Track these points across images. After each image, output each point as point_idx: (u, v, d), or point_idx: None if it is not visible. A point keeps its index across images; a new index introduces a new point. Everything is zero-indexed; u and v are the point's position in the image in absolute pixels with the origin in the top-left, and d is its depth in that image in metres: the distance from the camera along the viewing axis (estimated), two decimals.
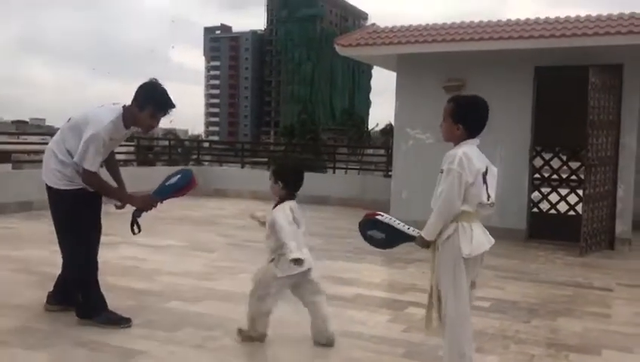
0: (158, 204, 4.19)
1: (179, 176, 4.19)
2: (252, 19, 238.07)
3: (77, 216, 4.06)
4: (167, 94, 4.08)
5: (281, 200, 3.87)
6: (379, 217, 3.38)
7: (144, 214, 4.20)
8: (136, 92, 4.07)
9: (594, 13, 8.52)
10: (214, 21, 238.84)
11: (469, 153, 3.05)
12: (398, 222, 3.37)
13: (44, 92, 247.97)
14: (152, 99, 4.03)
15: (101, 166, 4.16)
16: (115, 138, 4.09)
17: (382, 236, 3.39)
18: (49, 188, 4.10)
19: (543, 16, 8.80)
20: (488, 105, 3.21)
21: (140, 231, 4.20)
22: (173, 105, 4.10)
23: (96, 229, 4.20)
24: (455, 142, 3.16)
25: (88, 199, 4.05)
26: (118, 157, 12.50)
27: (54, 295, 4.42)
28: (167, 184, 4.17)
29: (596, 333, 4.39)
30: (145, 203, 4.12)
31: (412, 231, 3.30)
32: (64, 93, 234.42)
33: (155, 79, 4.11)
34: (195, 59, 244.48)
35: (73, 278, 4.18)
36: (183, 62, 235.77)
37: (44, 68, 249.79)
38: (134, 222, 4.17)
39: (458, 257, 3.06)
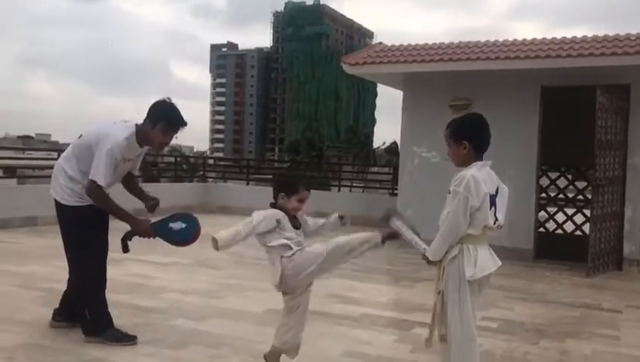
0: (154, 236, 4.08)
1: (183, 226, 4.04)
2: (254, 36, 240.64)
3: (86, 233, 4.06)
4: (179, 112, 4.10)
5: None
6: (391, 222, 3.39)
7: (136, 238, 4.11)
8: (149, 110, 4.08)
9: (599, 34, 8.56)
10: (216, 37, 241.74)
11: (478, 176, 3.01)
12: (409, 230, 3.32)
13: (48, 107, 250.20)
14: (165, 116, 4.04)
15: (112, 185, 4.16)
16: (128, 157, 4.09)
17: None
18: (58, 205, 4.10)
19: (548, 36, 8.82)
20: (486, 120, 3.19)
21: (127, 252, 4.09)
22: (185, 123, 4.12)
23: (104, 246, 4.18)
24: (465, 164, 3.13)
25: (98, 216, 4.05)
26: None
27: (60, 311, 4.40)
28: (169, 226, 4.04)
29: (606, 356, 4.34)
30: (142, 229, 4.03)
31: (420, 245, 3.24)
32: (68, 107, 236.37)
33: (169, 98, 4.13)
34: (198, 76, 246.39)
35: (81, 295, 4.17)
36: (186, 78, 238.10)
37: (47, 83, 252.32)
38: (125, 242, 4.08)
39: (462, 279, 3.04)
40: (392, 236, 3.45)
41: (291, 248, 3.50)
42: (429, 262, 3.17)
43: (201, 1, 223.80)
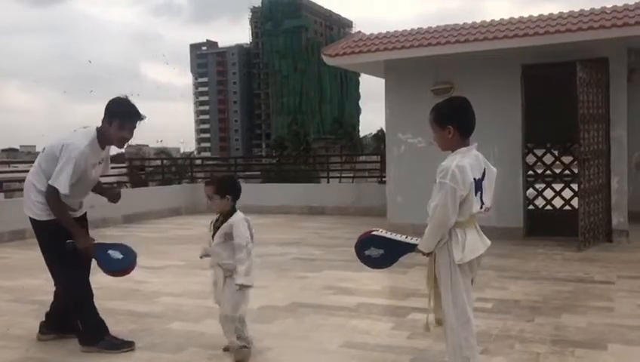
0: (93, 256, 4.11)
1: (120, 257, 4.09)
2: (220, 31, 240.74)
3: (63, 246, 4.02)
4: (132, 105, 4.09)
5: (229, 214, 3.88)
6: (375, 233, 3.34)
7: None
8: (105, 108, 4.08)
9: (570, 9, 8.60)
10: (182, 35, 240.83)
11: (463, 164, 2.99)
12: (395, 234, 3.33)
13: (27, 118, 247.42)
14: (118, 113, 4.03)
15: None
16: (93, 162, 4.09)
17: (380, 252, 3.34)
18: (33, 221, 4.09)
19: (521, 13, 8.88)
20: (469, 102, 3.19)
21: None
22: (140, 116, 4.10)
23: (85, 256, 4.15)
24: (452, 148, 3.12)
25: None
26: (111, 179, 12.49)
27: (47, 323, 4.39)
28: (109, 252, 4.08)
29: (601, 328, 4.39)
30: (84, 245, 4.03)
31: (411, 239, 3.26)
32: (47, 117, 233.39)
33: (125, 95, 4.14)
34: (173, 75, 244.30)
35: (70, 306, 4.15)
36: (161, 79, 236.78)
37: (22, 94, 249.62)
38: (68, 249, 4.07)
39: (453, 264, 3.05)
40: (366, 232, 3.46)
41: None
42: (425, 254, 3.17)
43: (162, 1, 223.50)
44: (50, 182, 3.91)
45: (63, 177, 3.87)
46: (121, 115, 4.04)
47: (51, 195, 3.93)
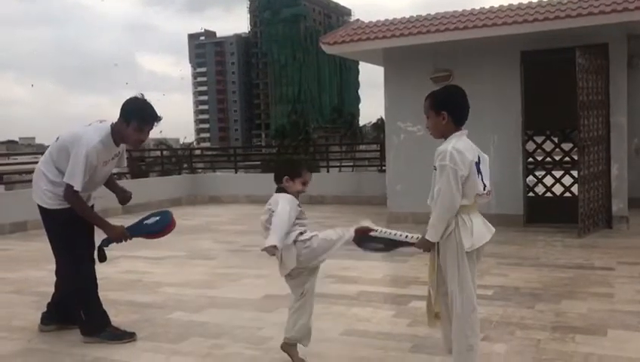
0: (129, 239, 4.12)
1: (157, 218, 4.16)
2: (208, 21, 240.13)
3: (73, 235, 4.04)
4: (151, 107, 4.04)
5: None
6: (372, 233, 3.38)
7: (112, 245, 4.13)
8: (122, 108, 4.03)
9: None
10: (176, 25, 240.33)
11: (459, 146, 3.02)
12: (392, 232, 3.35)
13: (26, 110, 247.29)
14: (137, 114, 3.98)
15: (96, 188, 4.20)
16: (106, 159, 4.06)
17: (381, 246, 3.43)
18: (42, 209, 4.09)
19: (522, 0, 8.77)
20: (464, 91, 3.20)
21: (104, 261, 4.13)
22: (158, 118, 4.06)
23: (91, 247, 4.17)
24: (445, 135, 3.14)
25: (81, 217, 4.03)
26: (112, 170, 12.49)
27: (48, 314, 4.40)
28: (144, 223, 4.14)
29: (601, 314, 4.40)
30: (116, 234, 4.05)
31: (409, 238, 3.27)
32: (46, 109, 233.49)
33: (141, 94, 4.09)
34: (170, 66, 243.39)
35: (73, 296, 4.16)
36: (158, 69, 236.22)
37: (19, 86, 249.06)
38: (100, 250, 4.10)
39: (461, 252, 3.03)
40: (364, 231, 3.42)
41: (307, 232, 3.48)
42: (427, 248, 3.15)
43: None
44: (65, 180, 3.89)
45: (78, 174, 3.85)
46: (140, 117, 3.98)
47: (70, 193, 3.90)
